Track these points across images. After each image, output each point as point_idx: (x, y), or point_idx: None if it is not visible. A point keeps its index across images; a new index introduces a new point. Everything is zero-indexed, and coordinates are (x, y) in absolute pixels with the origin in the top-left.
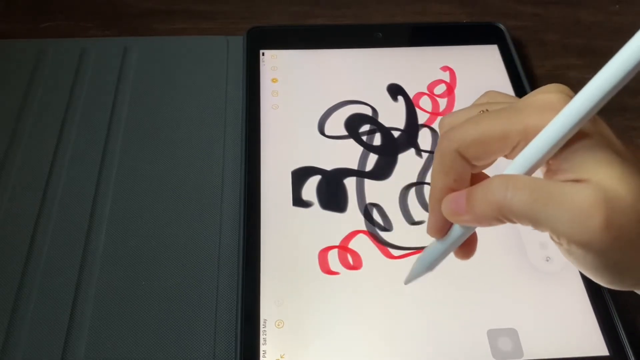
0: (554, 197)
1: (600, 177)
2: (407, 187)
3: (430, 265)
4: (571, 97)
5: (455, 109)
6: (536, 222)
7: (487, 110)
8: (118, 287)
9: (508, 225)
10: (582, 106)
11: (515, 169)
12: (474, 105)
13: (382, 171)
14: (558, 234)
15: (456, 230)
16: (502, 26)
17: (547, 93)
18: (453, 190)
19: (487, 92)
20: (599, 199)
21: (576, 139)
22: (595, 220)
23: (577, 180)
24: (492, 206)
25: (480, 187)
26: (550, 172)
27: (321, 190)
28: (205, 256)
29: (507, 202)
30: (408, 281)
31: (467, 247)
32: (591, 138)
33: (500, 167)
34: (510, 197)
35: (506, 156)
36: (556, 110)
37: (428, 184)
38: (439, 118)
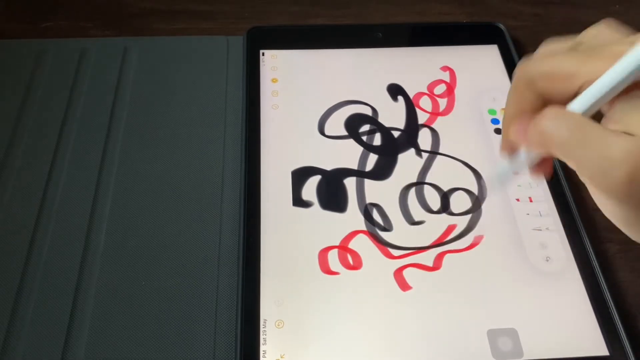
0: (591, 139)
1: None
2: (407, 187)
3: (500, 181)
4: None
5: (455, 109)
6: (567, 157)
7: (575, 46)
8: (118, 287)
9: (508, 225)
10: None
11: (573, 107)
12: (570, 39)
13: (382, 171)
14: (582, 175)
15: (522, 153)
16: (502, 26)
17: (624, 45)
18: (521, 115)
19: (599, 25)
20: (632, 153)
21: (633, 90)
22: (619, 171)
23: (626, 133)
24: (538, 133)
25: (538, 115)
26: (606, 120)
27: (321, 190)
28: (205, 256)
29: (549, 131)
30: (490, 190)
31: (541, 167)
32: None
33: None
34: (552, 127)
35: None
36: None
37: (428, 184)
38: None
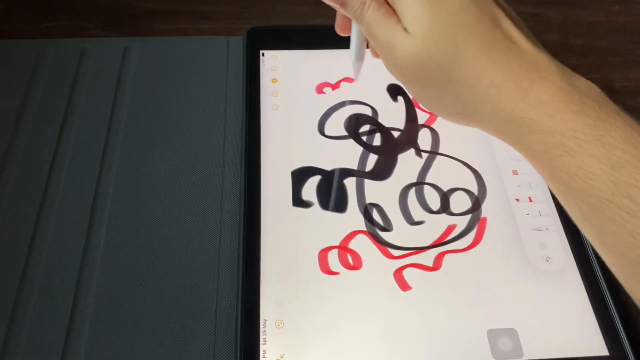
0: (382, 27)
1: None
2: (407, 187)
3: (357, 56)
4: None
5: None
6: (368, 35)
7: None
8: (118, 287)
9: (508, 225)
10: None
11: None
12: None
13: (382, 171)
14: (376, 49)
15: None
16: None
17: None
18: None
19: None
20: (408, 53)
21: None
22: (400, 65)
23: (405, 30)
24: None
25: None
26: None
27: (321, 190)
28: (205, 256)
29: (357, 16)
30: (355, 75)
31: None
32: None
33: None
34: (360, 13)
35: None
36: None
37: (428, 184)
38: None
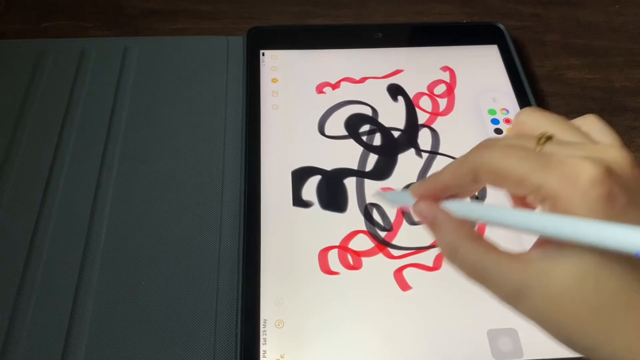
0: (490, 272)
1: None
2: (407, 187)
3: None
4: (608, 175)
5: (455, 109)
6: (475, 281)
7: (542, 142)
8: (118, 287)
9: None
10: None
11: (475, 215)
12: (550, 119)
13: (382, 171)
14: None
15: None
16: (502, 26)
17: (584, 161)
18: (448, 188)
19: (585, 117)
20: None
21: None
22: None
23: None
24: (445, 246)
25: (444, 225)
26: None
27: (321, 190)
28: (205, 256)
29: (454, 263)
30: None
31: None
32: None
33: None
34: (457, 260)
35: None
36: (577, 189)
37: None
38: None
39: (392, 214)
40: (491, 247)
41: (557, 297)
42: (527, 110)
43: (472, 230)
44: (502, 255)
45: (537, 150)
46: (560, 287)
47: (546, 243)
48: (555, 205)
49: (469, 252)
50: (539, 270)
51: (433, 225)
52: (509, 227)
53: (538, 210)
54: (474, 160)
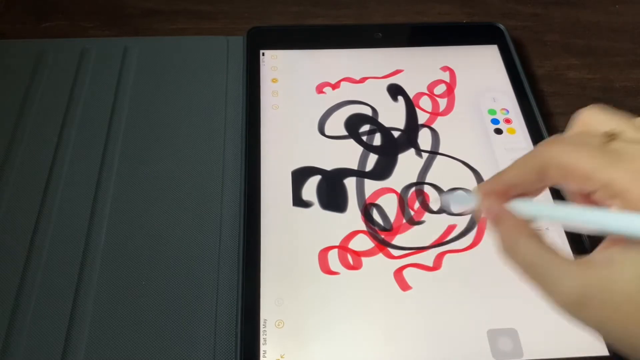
0: (549, 272)
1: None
2: (407, 187)
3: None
4: None
5: (455, 109)
6: (528, 276)
7: (610, 139)
8: (118, 287)
9: None
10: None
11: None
12: (615, 118)
13: (382, 171)
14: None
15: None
16: (502, 26)
17: None
18: (514, 186)
19: None
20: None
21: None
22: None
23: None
24: (505, 244)
25: (507, 219)
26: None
27: (321, 190)
28: (205, 256)
29: (513, 258)
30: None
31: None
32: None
33: None
34: (516, 254)
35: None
36: None
37: (428, 184)
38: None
39: (392, 214)
40: (552, 248)
41: (623, 303)
42: (591, 108)
43: (533, 229)
44: (563, 256)
45: (606, 147)
46: (627, 292)
47: (610, 245)
48: (626, 202)
49: (529, 248)
50: (603, 273)
51: (497, 220)
52: (578, 225)
53: (605, 208)
54: (543, 155)
